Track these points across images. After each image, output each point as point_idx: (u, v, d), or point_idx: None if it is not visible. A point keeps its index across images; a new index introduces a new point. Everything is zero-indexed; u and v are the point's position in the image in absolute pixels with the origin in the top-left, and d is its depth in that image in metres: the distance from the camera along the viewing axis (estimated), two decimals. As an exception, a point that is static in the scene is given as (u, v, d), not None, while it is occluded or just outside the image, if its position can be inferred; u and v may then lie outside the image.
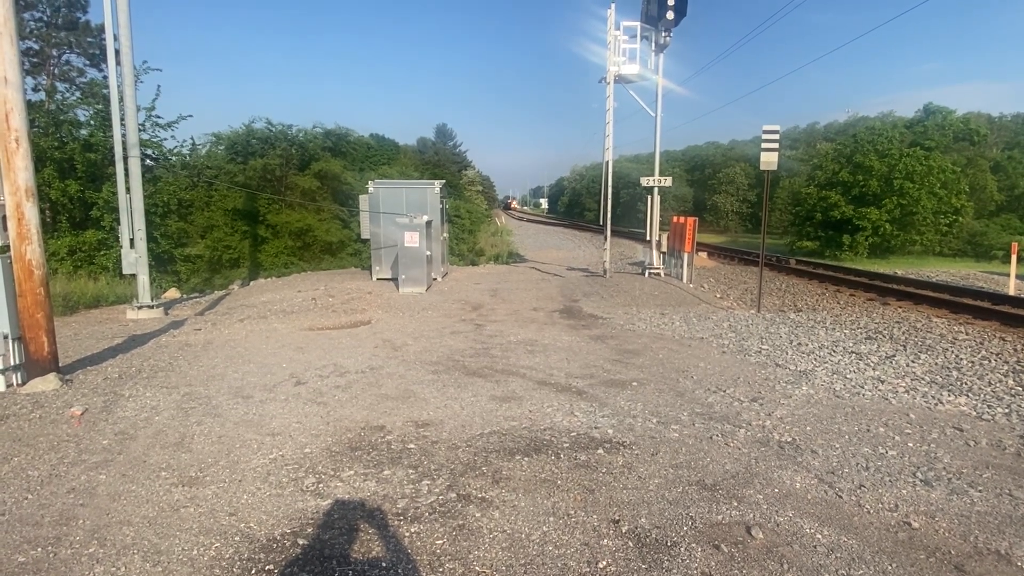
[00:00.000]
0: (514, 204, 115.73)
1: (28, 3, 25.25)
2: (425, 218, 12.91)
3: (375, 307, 10.79)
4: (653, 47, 14.74)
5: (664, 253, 16.17)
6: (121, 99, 9.95)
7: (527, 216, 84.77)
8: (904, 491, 3.68)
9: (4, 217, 5.60)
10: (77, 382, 5.92)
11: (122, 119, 10.04)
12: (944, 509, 3.46)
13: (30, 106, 13.22)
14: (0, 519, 3.31)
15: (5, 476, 3.85)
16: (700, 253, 21.14)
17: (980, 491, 3.68)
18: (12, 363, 5.66)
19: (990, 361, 7.20)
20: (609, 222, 15.65)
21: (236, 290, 14.97)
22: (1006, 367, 6.91)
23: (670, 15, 13.64)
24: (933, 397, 5.69)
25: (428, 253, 12.87)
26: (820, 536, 3.15)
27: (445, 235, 15.77)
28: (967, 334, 8.87)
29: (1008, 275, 13.71)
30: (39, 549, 3.03)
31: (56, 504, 3.49)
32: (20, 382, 5.70)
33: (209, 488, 3.69)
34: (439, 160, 35.19)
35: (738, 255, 22.85)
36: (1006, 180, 29.05)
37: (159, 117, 16.14)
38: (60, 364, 6.04)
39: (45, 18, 26.22)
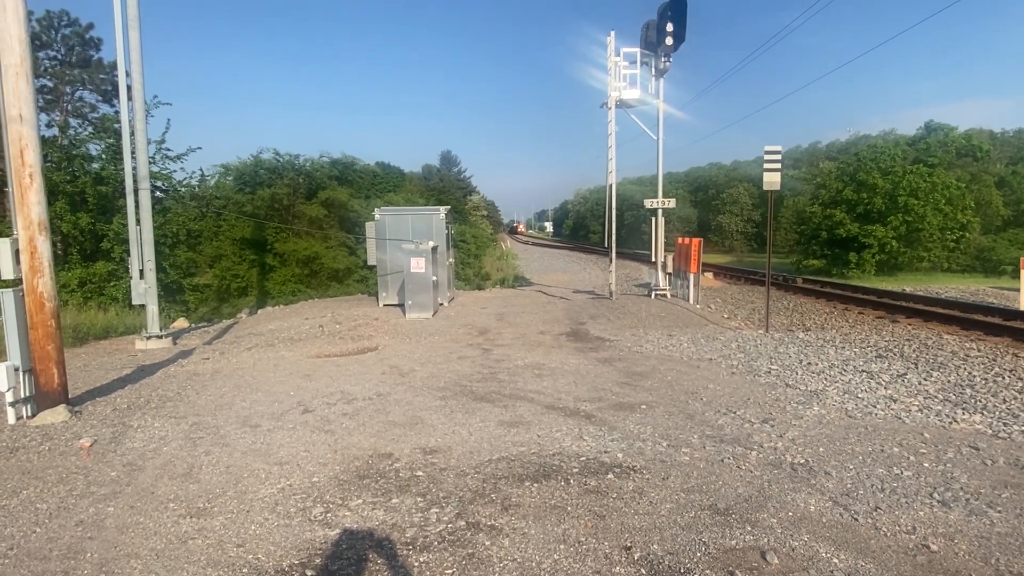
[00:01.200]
0: (521, 228, 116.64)
1: (44, 42, 26.04)
2: (431, 244, 12.99)
3: (382, 333, 10.80)
4: (653, 72, 14.96)
5: (670, 274, 16.17)
6: (132, 133, 10.18)
7: (532, 240, 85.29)
8: (921, 513, 3.61)
9: (17, 251, 5.69)
10: (86, 413, 5.94)
11: (133, 152, 10.25)
12: (963, 531, 3.39)
13: (44, 142, 13.51)
14: (8, 553, 3.30)
15: (14, 509, 3.84)
16: (706, 273, 21.10)
17: (1000, 512, 3.61)
18: (23, 395, 5.69)
19: (1004, 378, 7.10)
20: (614, 244, 15.70)
21: (244, 319, 15.05)
22: (1021, 384, 6.80)
23: (669, 40, 13.87)
24: (947, 415, 5.60)
25: (434, 278, 12.93)
26: (837, 560, 3.09)
27: (451, 260, 15.85)
28: (979, 351, 8.77)
29: (1018, 290, 13.60)
30: (47, 584, 3.01)
31: (64, 537, 3.47)
32: (30, 414, 5.72)
33: (217, 519, 3.66)
34: (444, 186, 35.47)
35: (744, 275, 22.81)
36: (1012, 195, 29.01)
37: (169, 150, 16.55)
38: (70, 395, 6.07)
39: (60, 56, 27.02)
